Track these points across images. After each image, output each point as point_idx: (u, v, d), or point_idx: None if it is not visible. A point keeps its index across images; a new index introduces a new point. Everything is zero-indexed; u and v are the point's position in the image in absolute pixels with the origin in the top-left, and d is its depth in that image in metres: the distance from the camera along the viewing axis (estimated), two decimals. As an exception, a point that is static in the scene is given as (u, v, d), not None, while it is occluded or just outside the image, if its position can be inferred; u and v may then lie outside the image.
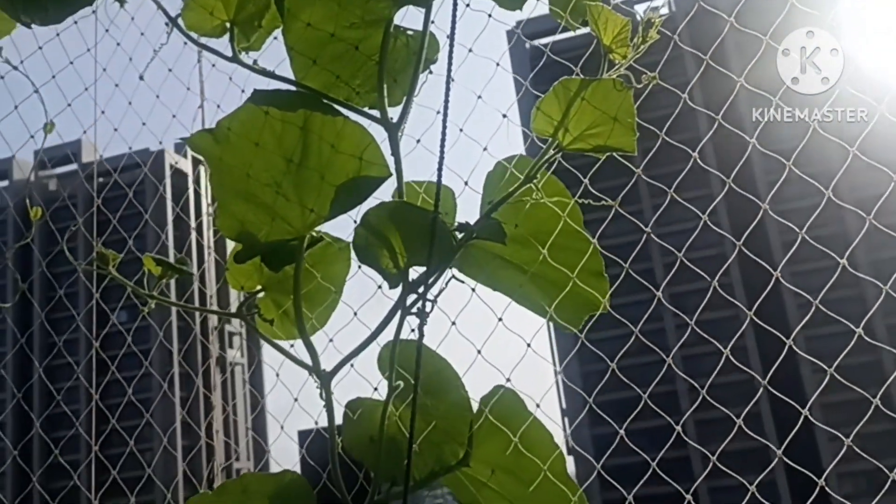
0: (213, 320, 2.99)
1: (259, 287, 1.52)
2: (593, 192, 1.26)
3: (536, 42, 2.25)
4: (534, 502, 1.33)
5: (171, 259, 1.54)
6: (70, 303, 2.58)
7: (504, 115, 1.29)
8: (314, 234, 1.41)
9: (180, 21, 1.51)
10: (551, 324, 1.36)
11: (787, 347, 1.43)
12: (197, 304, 2.27)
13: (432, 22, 1.31)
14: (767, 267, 1.54)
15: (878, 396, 1.39)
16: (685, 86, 1.59)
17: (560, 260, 1.34)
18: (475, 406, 1.35)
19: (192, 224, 2.33)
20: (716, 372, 1.63)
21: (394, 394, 1.27)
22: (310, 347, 1.33)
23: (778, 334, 1.58)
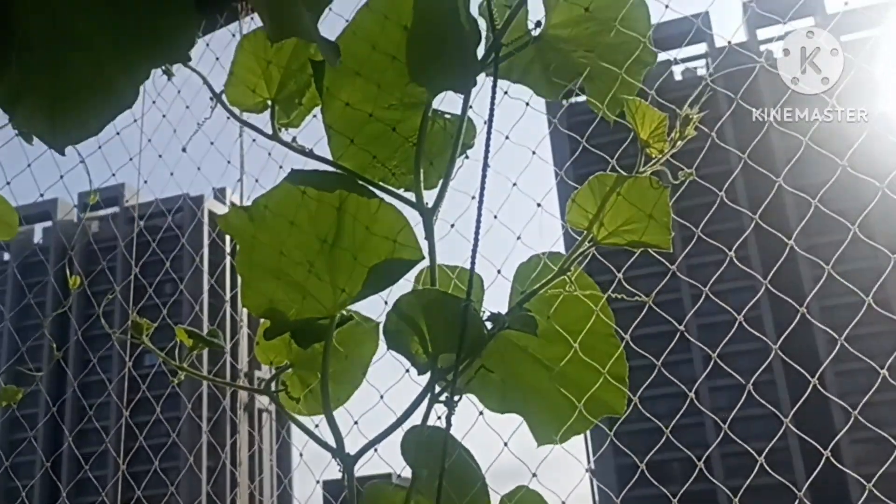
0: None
1: (287, 362, 1.51)
2: (626, 286, 1.24)
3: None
4: None
5: (203, 330, 1.54)
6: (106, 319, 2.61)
7: (539, 205, 1.28)
8: (344, 313, 1.40)
9: (224, 97, 1.55)
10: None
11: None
12: (228, 371, 2.27)
13: (470, 107, 1.32)
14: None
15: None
16: (727, 174, 1.57)
17: (586, 360, 1.30)
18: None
19: (227, 297, 2.35)
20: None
21: (418, 483, 1.23)
22: (335, 429, 1.31)
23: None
